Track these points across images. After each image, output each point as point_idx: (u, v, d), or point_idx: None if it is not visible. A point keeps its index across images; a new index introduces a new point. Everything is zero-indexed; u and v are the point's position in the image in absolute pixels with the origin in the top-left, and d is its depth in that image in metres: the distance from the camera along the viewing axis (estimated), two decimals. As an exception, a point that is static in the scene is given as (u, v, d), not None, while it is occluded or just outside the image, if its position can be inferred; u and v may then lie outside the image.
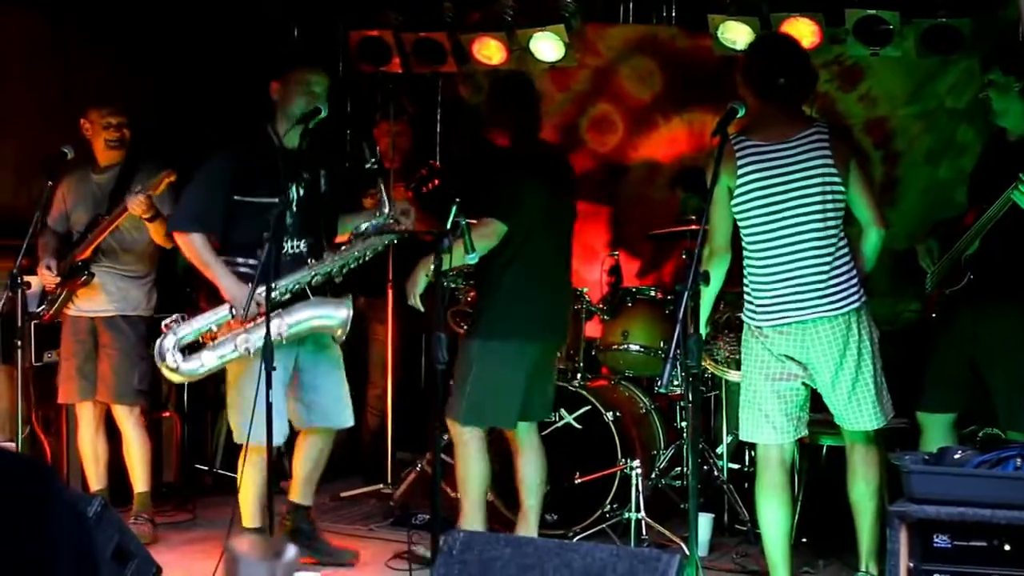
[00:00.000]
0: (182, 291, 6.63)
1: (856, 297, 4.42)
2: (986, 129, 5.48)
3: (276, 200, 4.75)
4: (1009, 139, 4.88)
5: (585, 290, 6.14)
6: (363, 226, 5.00)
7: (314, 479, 5.31)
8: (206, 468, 6.89)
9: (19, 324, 5.37)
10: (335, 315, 4.94)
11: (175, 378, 5.03)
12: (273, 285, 4.66)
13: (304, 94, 4.98)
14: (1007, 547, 3.68)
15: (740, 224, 4.48)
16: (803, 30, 5.95)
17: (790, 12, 5.95)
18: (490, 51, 6.66)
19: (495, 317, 5.14)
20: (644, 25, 7.31)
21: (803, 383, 4.48)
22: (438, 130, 7.71)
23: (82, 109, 5.84)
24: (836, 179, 4.41)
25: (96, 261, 5.72)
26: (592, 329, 6.28)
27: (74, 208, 5.82)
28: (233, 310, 4.84)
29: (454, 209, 4.47)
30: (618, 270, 6.41)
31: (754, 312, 4.49)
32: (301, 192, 4.99)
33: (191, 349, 4.90)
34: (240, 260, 4.92)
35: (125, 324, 5.77)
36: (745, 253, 4.51)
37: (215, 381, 6.87)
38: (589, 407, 5.77)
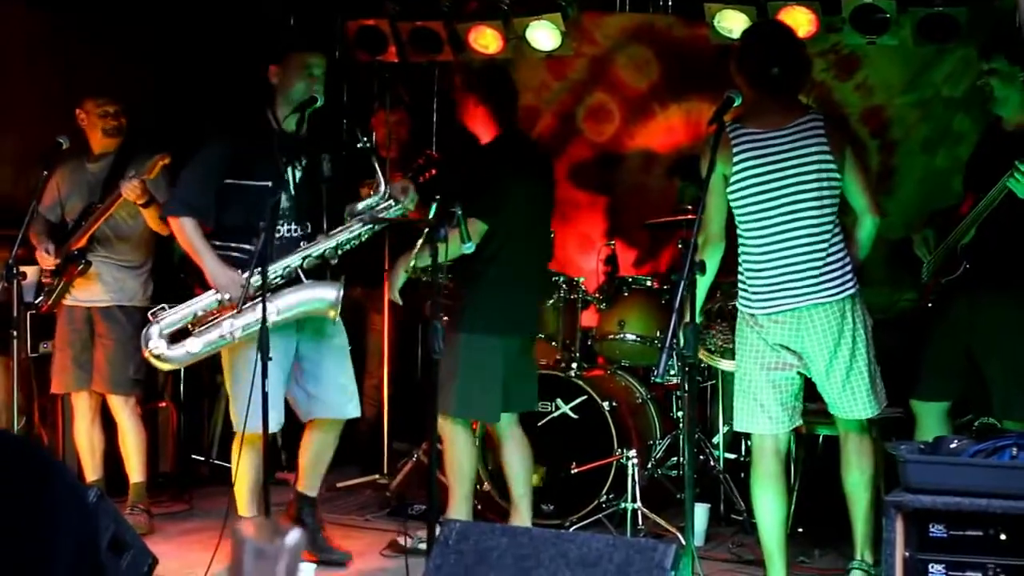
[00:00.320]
0: (178, 281, 6.63)
1: (850, 284, 4.43)
2: (983, 118, 5.48)
3: (270, 184, 4.74)
4: (1005, 128, 4.87)
5: (581, 279, 6.14)
6: (359, 206, 4.93)
7: (319, 470, 5.24)
8: (202, 458, 6.89)
9: (15, 314, 5.36)
10: (323, 296, 4.83)
11: (160, 365, 4.97)
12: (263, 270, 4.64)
13: (304, 78, 4.95)
14: (1003, 536, 3.67)
15: (735, 212, 4.48)
16: (799, 18, 5.95)
17: (787, 0, 5.94)
18: (486, 40, 6.65)
19: (479, 312, 5.16)
20: (641, 14, 7.29)
21: (798, 372, 4.49)
22: (434, 119, 7.69)
23: (81, 102, 5.83)
24: (831, 166, 4.41)
25: (92, 250, 5.71)
26: (588, 318, 6.28)
27: (68, 197, 5.81)
28: (220, 296, 4.83)
29: (434, 207, 4.46)
30: (614, 259, 6.41)
31: (749, 300, 4.48)
32: (298, 177, 4.97)
33: (180, 336, 4.87)
34: (234, 244, 4.90)
35: (121, 314, 5.76)
36: (740, 241, 4.51)
37: (211, 371, 6.89)
38: (585, 397, 5.78)
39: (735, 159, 4.42)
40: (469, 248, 4.81)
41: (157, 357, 4.86)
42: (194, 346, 4.82)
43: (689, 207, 6.22)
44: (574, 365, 5.95)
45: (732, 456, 6.19)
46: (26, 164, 6.27)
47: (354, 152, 5.40)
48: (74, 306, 5.79)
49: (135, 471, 5.82)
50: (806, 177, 4.40)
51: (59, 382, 5.86)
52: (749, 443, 5.42)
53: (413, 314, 6.62)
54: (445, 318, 5.07)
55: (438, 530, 3.60)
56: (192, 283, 5.12)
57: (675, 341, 3.75)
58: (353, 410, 5.14)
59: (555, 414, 5.82)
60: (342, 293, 4.83)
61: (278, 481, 6.50)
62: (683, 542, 4.11)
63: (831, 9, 5.98)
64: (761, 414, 4.50)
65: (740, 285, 4.53)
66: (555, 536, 3.33)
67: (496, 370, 5.16)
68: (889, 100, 6.88)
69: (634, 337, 6.04)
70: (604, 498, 5.65)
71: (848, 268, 4.44)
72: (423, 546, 4.69)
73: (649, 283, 6.19)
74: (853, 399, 4.49)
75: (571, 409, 5.80)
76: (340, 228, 4.88)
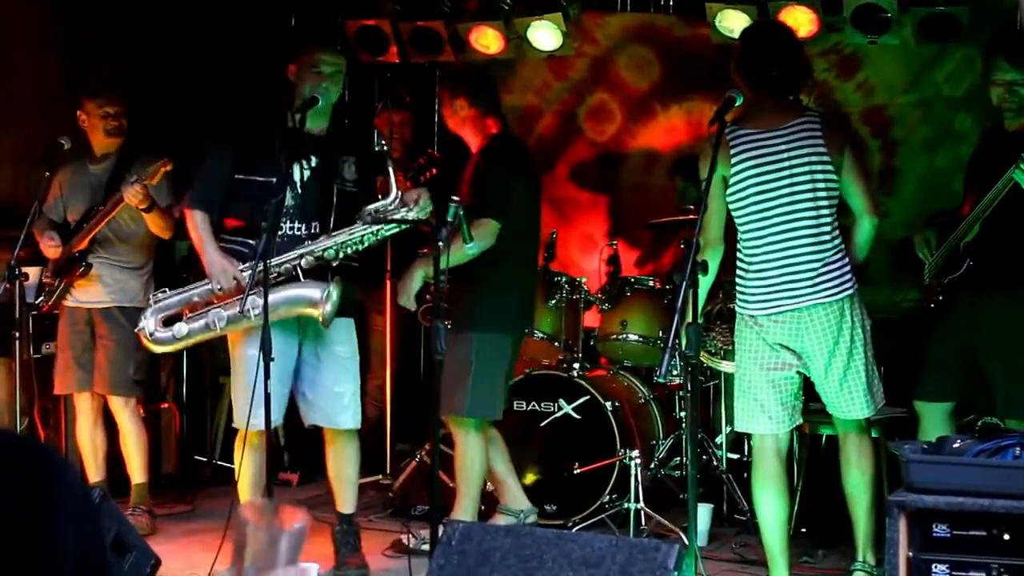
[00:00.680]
0: (180, 281, 6.63)
1: (849, 285, 4.44)
2: (984, 117, 5.47)
3: (274, 180, 4.75)
4: (1007, 129, 4.86)
5: (583, 279, 6.14)
6: (366, 209, 4.83)
7: (342, 486, 5.11)
8: (205, 459, 6.90)
9: (17, 315, 5.37)
10: (308, 295, 4.74)
11: (150, 346, 4.97)
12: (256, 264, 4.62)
13: (312, 76, 4.93)
14: (1006, 536, 3.67)
15: (734, 213, 4.49)
16: (800, 18, 5.95)
17: (788, 0, 5.93)
18: (488, 40, 6.65)
19: (490, 312, 5.19)
20: (642, 13, 7.29)
21: (797, 372, 4.49)
22: (435, 120, 7.69)
23: (81, 103, 5.83)
24: (829, 167, 4.43)
25: (93, 252, 5.71)
26: (591, 319, 6.28)
27: (70, 198, 5.81)
28: (213, 285, 4.84)
29: (452, 208, 4.45)
30: (616, 259, 6.41)
31: (748, 301, 4.49)
32: (306, 175, 4.95)
33: (174, 321, 4.89)
34: (239, 239, 4.91)
35: (122, 315, 5.76)
36: (740, 242, 4.52)
37: (213, 372, 6.90)
38: (588, 397, 5.77)
39: (733, 160, 4.43)
40: (472, 249, 4.81)
41: (147, 337, 4.89)
42: (180, 331, 4.85)
43: (691, 207, 6.22)
44: (576, 365, 5.95)
45: (735, 456, 6.19)
46: (28, 164, 6.27)
47: (371, 154, 5.39)
48: (75, 307, 5.79)
49: (137, 472, 5.82)
50: (803, 177, 4.41)
51: (61, 383, 5.86)
52: (752, 443, 5.43)
53: (415, 315, 6.62)
54: (447, 321, 5.09)
55: (441, 531, 3.60)
56: (194, 279, 5.14)
57: (677, 341, 3.76)
58: (346, 421, 5.02)
59: (558, 414, 5.81)
60: (334, 295, 4.71)
61: (281, 482, 6.51)
62: (686, 542, 4.10)
63: (832, 9, 5.98)
64: (761, 414, 4.50)
65: (739, 286, 4.54)
66: (558, 536, 3.32)
67: (506, 369, 5.26)
68: (890, 100, 6.88)
69: (636, 337, 6.04)
70: (607, 498, 5.65)
71: (847, 268, 4.45)
72: (426, 547, 4.69)
73: (651, 283, 6.19)
74: (850, 399, 4.50)
75: (574, 409, 5.80)
76: (343, 230, 4.83)
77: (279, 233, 4.81)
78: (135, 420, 5.81)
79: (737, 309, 4.57)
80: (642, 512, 5.46)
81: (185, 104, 6.85)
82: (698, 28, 6.73)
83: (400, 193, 4.80)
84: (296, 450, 6.69)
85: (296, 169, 4.92)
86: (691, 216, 6.04)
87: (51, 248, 5.69)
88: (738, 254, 4.53)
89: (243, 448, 4.83)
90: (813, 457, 5.72)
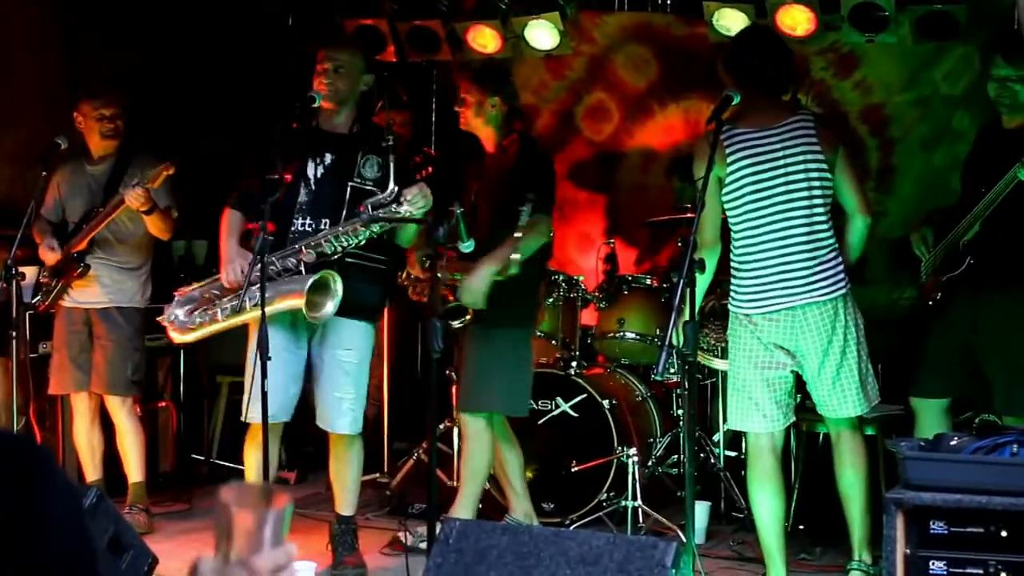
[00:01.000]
0: (177, 281, 6.63)
1: (843, 284, 4.46)
2: (982, 115, 5.47)
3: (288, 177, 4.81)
4: (1004, 127, 4.86)
5: (581, 278, 6.14)
6: (365, 204, 4.80)
7: (339, 489, 5.12)
8: (202, 458, 6.89)
9: (14, 315, 5.36)
10: (293, 288, 4.71)
11: (174, 337, 5.09)
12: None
13: (316, 74, 4.96)
14: (1004, 533, 3.67)
15: (729, 212, 4.51)
16: (798, 17, 5.95)
17: (785, -1, 5.95)
18: (485, 39, 6.65)
19: (522, 307, 5.23)
20: (639, 12, 7.30)
21: (791, 371, 4.50)
22: (433, 119, 7.69)
23: (78, 105, 5.83)
24: (824, 165, 4.45)
25: (91, 252, 5.71)
26: (588, 317, 6.28)
27: (68, 199, 5.80)
28: (222, 277, 4.92)
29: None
30: (614, 258, 6.41)
31: (742, 300, 4.50)
32: (319, 172, 4.96)
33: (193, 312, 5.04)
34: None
35: (120, 315, 5.76)
36: (734, 240, 4.52)
37: (210, 372, 6.90)
38: (585, 395, 5.77)
39: (729, 160, 4.44)
40: (469, 247, 4.81)
41: (171, 326, 5.03)
42: (194, 320, 4.96)
43: (688, 205, 6.22)
44: (574, 364, 5.94)
45: (732, 454, 6.18)
46: (28, 163, 6.27)
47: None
48: (72, 307, 5.79)
49: (134, 471, 5.82)
50: (799, 176, 4.43)
51: (57, 383, 5.85)
52: (746, 441, 5.43)
53: (412, 313, 6.62)
54: (468, 316, 5.10)
55: (438, 528, 3.60)
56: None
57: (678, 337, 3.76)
58: (343, 426, 4.99)
59: (555, 412, 5.81)
60: (320, 284, 4.66)
61: (278, 480, 6.50)
62: (684, 540, 4.10)
63: (830, 7, 5.99)
64: (756, 413, 4.51)
65: (733, 284, 4.55)
66: (555, 534, 3.33)
67: (531, 363, 5.35)
68: (888, 98, 6.88)
69: (634, 335, 6.04)
70: (604, 496, 5.65)
71: (841, 267, 4.47)
72: (423, 545, 4.69)
73: (649, 281, 6.19)
74: (843, 397, 4.51)
75: (571, 407, 5.80)
76: (340, 225, 4.81)
77: (291, 229, 4.86)
78: (132, 419, 5.81)
79: (730, 308, 4.57)
80: (640, 510, 5.46)
81: (185, 104, 6.85)
82: (695, 27, 6.74)
83: (397, 188, 4.77)
84: (293, 449, 6.68)
85: (310, 166, 4.94)
86: (688, 215, 6.04)
87: (50, 256, 5.68)
88: (732, 253, 4.53)
89: (254, 442, 4.87)
90: (811, 455, 5.72)
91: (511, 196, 4.96)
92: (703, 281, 4.40)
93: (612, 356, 6.27)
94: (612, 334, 6.08)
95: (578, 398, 5.78)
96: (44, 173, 5.64)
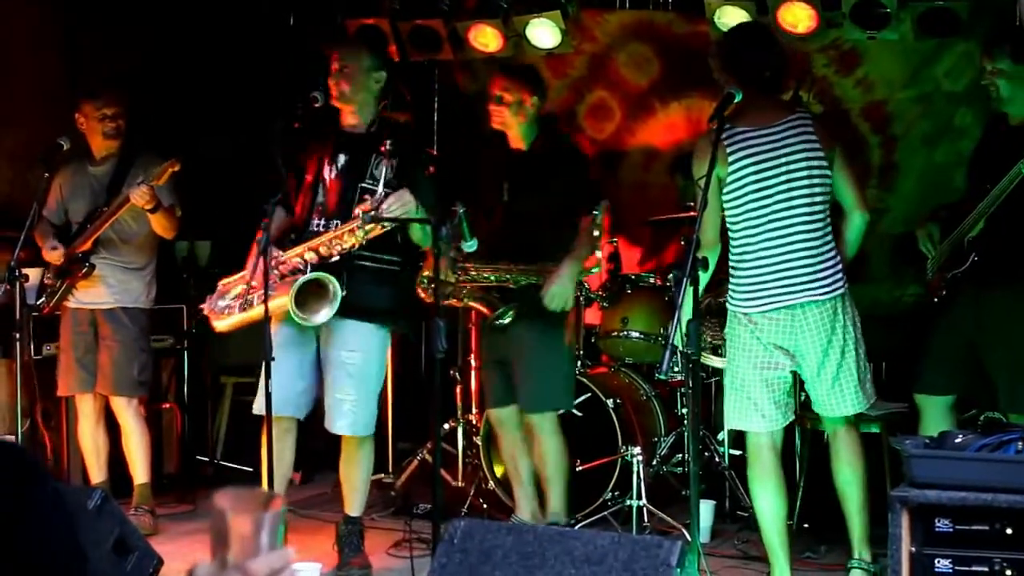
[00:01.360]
0: (182, 282, 6.64)
1: (842, 283, 4.47)
2: (984, 112, 5.46)
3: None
4: (1010, 123, 4.85)
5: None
6: (357, 209, 4.75)
7: (347, 489, 5.14)
8: (207, 459, 6.90)
9: (18, 317, 5.36)
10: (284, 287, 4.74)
11: (214, 324, 5.11)
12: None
13: (328, 75, 4.99)
14: (1009, 531, 3.67)
15: (729, 211, 4.51)
16: (799, 14, 5.94)
17: (787, -4, 5.94)
18: (486, 38, 6.64)
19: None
20: (641, 11, 7.28)
21: (790, 371, 4.51)
22: (435, 118, 7.69)
23: (79, 105, 5.83)
24: (824, 162, 4.46)
25: (96, 253, 5.70)
26: (591, 316, 6.28)
27: (71, 199, 5.80)
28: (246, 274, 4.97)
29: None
30: (617, 257, 6.41)
31: (741, 298, 4.49)
32: (332, 172, 4.97)
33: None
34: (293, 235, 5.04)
35: (125, 316, 5.76)
36: (732, 240, 4.52)
37: (214, 372, 6.90)
38: (589, 394, 5.77)
39: (730, 159, 4.45)
40: (471, 247, 4.81)
41: (211, 313, 5.09)
42: (214, 305, 5.05)
43: (691, 204, 6.22)
44: (578, 363, 5.94)
45: (737, 452, 6.17)
46: (28, 164, 6.28)
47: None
48: (78, 308, 5.79)
49: (139, 472, 5.82)
50: (800, 173, 4.44)
51: (64, 384, 5.85)
52: (747, 440, 5.43)
53: (417, 313, 6.61)
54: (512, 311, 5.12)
55: (443, 529, 3.60)
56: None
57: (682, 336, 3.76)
58: (342, 428, 5.00)
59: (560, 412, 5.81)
60: (319, 285, 4.68)
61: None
62: (688, 539, 4.10)
63: (831, 4, 5.98)
64: (755, 412, 4.51)
65: (732, 283, 4.54)
66: (560, 534, 3.32)
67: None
68: (890, 95, 6.86)
69: (637, 334, 6.03)
70: (609, 495, 5.65)
71: (839, 266, 4.48)
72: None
73: (652, 280, 6.19)
74: (841, 395, 4.51)
75: (575, 407, 5.79)
76: (336, 227, 4.82)
77: (308, 229, 4.91)
78: (138, 420, 5.80)
79: (729, 306, 4.57)
80: (644, 509, 5.46)
81: (185, 104, 6.85)
82: (697, 25, 6.72)
83: (386, 191, 4.78)
84: (299, 449, 6.68)
85: (326, 167, 4.98)
86: (691, 213, 6.03)
87: (54, 255, 5.69)
88: (731, 252, 4.53)
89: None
90: (815, 453, 5.71)
91: (563, 195, 5.14)
92: (702, 280, 4.40)
93: (616, 355, 6.26)
94: (616, 333, 6.07)
95: (582, 397, 5.77)
96: (46, 174, 5.64)
